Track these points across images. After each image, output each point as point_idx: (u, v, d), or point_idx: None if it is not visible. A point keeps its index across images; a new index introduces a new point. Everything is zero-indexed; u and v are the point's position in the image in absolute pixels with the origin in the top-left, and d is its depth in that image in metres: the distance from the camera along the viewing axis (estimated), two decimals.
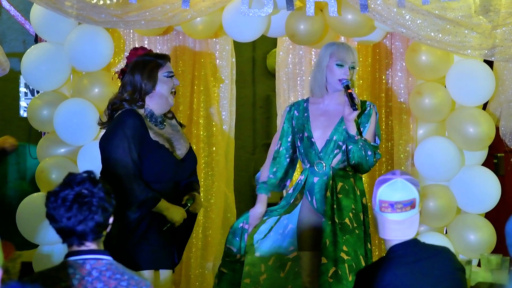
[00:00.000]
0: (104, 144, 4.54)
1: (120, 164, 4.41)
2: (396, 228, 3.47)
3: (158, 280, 4.56)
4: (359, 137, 4.72)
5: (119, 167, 4.41)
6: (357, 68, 4.91)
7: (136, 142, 4.47)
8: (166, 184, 4.61)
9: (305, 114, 4.90)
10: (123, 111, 4.56)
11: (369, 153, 4.73)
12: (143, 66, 4.62)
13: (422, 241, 3.55)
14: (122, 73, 4.79)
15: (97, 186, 3.10)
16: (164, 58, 4.69)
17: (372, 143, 4.79)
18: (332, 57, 4.79)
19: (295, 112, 4.94)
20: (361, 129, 4.80)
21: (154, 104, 4.62)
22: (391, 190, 3.46)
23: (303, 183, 4.84)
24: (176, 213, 4.54)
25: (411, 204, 3.46)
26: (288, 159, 4.96)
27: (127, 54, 5.58)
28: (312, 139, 4.83)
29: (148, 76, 4.60)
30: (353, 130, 4.71)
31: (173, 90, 4.67)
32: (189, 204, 4.61)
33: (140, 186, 4.43)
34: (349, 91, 4.70)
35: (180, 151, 4.68)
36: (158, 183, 4.56)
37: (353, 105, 4.66)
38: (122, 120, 4.52)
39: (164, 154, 4.56)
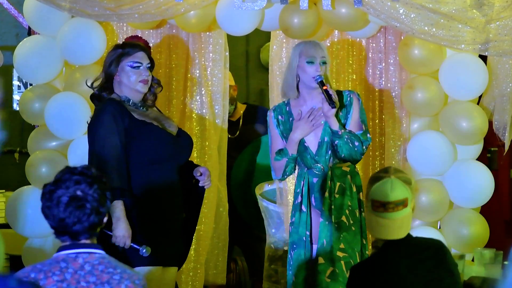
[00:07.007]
0: (88, 137, 4.56)
1: (100, 153, 4.40)
2: (388, 227, 3.47)
3: (162, 277, 4.54)
4: (343, 130, 4.71)
5: (99, 156, 4.40)
6: (329, 64, 4.86)
7: (119, 128, 4.43)
8: (167, 165, 4.53)
9: (290, 119, 4.88)
10: (101, 102, 4.55)
11: (356, 143, 4.72)
12: (111, 53, 4.60)
13: (414, 236, 3.54)
14: None
15: (93, 187, 3.08)
16: (134, 47, 4.59)
17: (357, 132, 4.78)
18: (302, 56, 4.81)
19: (279, 117, 4.91)
20: (345, 120, 4.80)
21: (126, 92, 4.56)
22: (383, 189, 3.44)
23: (307, 187, 4.82)
24: (121, 229, 4.32)
25: (403, 204, 3.46)
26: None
27: None
28: (305, 144, 4.81)
29: (110, 63, 4.55)
30: (335, 126, 4.71)
31: (140, 80, 4.54)
32: (144, 250, 4.36)
33: (114, 173, 4.36)
34: (324, 87, 4.70)
35: (171, 129, 4.63)
36: (157, 164, 4.49)
37: (331, 102, 4.67)
38: (100, 109, 4.51)
39: (154, 130, 4.50)
